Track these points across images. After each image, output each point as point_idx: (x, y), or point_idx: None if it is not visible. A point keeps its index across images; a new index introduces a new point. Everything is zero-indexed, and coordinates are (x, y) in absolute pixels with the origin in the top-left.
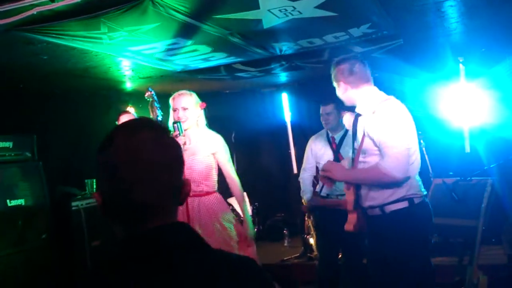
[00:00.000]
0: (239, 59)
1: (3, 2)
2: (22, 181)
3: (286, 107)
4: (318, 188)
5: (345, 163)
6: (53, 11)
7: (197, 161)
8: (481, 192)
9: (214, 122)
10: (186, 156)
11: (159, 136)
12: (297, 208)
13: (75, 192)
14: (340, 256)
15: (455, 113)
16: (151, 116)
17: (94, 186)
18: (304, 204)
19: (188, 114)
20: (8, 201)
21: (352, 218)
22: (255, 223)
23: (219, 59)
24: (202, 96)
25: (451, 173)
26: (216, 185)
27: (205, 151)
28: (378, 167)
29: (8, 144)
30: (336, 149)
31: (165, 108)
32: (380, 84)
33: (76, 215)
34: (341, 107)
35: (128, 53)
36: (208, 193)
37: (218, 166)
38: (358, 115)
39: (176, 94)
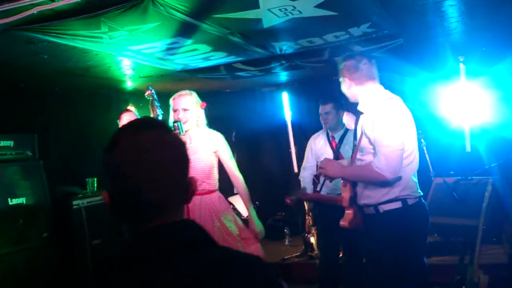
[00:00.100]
0: (239, 59)
1: (3, 2)
2: (23, 180)
3: (286, 106)
4: (318, 187)
5: (345, 162)
6: (54, 10)
7: (198, 160)
8: (482, 191)
9: (214, 121)
10: None
11: (163, 135)
12: (298, 207)
13: (76, 191)
14: (341, 255)
15: (455, 112)
16: (151, 115)
17: (95, 185)
18: (290, 199)
19: (188, 115)
20: (9, 200)
21: (348, 214)
22: None
23: (219, 58)
24: (202, 95)
25: (452, 172)
26: (217, 183)
27: (206, 149)
28: (371, 165)
29: (9, 143)
30: (336, 148)
31: (165, 107)
32: (380, 84)
33: (77, 213)
34: (340, 106)
35: (129, 52)
36: (209, 192)
37: (220, 164)
38: (360, 113)
39: (176, 94)
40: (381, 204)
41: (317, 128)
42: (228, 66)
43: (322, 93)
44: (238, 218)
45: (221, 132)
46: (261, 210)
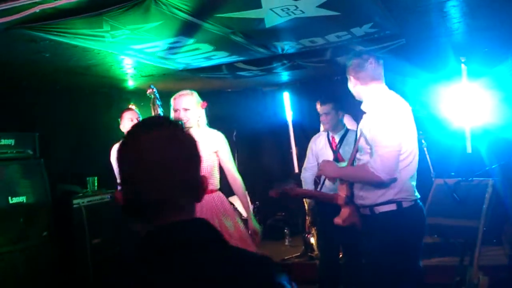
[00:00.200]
0: (241, 58)
1: (6, 0)
2: (23, 179)
3: (287, 106)
4: (319, 187)
5: (345, 163)
6: (56, 9)
7: None
8: (482, 192)
9: (215, 121)
10: None
11: (166, 134)
12: (298, 207)
13: (76, 189)
14: (341, 255)
15: (457, 113)
16: (152, 114)
17: (96, 184)
18: (275, 191)
19: (189, 115)
20: (9, 198)
21: (343, 212)
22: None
23: (221, 57)
24: (203, 94)
25: (452, 173)
26: (219, 183)
27: (207, 149)
28: (367, 166)
29: (10, 142)
30: (336, 148)
31: (166, 106)
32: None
33: (77, 212)
34: (339, 106)
35: (130, 51)
36: (211, 191)
37: (220, 164)
38: (363, 113)
39: (177, 94)
40: (376, 206)
41: (318, 129)
42: (229, 65)
43: (323, 93)
44: (238, 219)
45: (222, 132)
46: (261, 210)
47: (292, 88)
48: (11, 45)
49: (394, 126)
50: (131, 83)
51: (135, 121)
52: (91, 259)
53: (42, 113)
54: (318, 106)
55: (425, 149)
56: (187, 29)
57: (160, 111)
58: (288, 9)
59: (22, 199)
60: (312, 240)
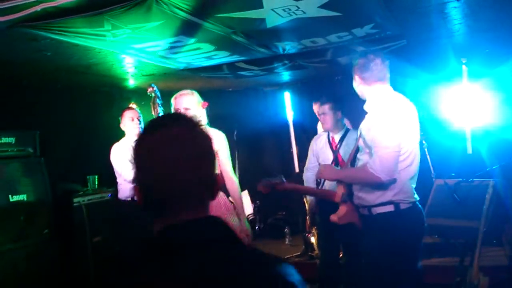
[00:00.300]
0: (242, 58)
1: None
2: (24, 177)
3: (288, 106)
4: (319, 187)
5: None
6: (57, 8)
7: None
8: (482, 193)
9: (216, 120)
10: None
11: (175, 132)
12: (299, 206)
13: (77, 188)
14: (341, 255)
15: (457, 114)
16: (152, 113)
17: (96, 182)
18: (263, 186)
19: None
20: (10, 196)
21: (340, 210)
22: (256, 222)
23: (222, 57)
24: (204, 94)
25: (453, 174)
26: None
27: None
28: (366, 167)
29: (11, 140)
30: (336, 149)
31: (166, 105)
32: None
33: (78, 211)
34: (338, 107)
35: (131, 51)
36: None
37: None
38: (363, 114)
39: (177, 94)
40: (375, 207)
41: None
42: (231, 65)
43: (321, 93)
44: (236, 219)
45: (223, 131)
46: (262, 209)
47: (293, 88)
48: (12, 44)
49: (394, 127)
50: (132, 82)
51: (136, 120)
52: (92, 257)
53: (43, 111)
54: (316, 107)
55: (425, 149)
56: (188, 29)
57: (160, 110)
58: (290, 10)
59: (22, 197)
60: (313, 240)
